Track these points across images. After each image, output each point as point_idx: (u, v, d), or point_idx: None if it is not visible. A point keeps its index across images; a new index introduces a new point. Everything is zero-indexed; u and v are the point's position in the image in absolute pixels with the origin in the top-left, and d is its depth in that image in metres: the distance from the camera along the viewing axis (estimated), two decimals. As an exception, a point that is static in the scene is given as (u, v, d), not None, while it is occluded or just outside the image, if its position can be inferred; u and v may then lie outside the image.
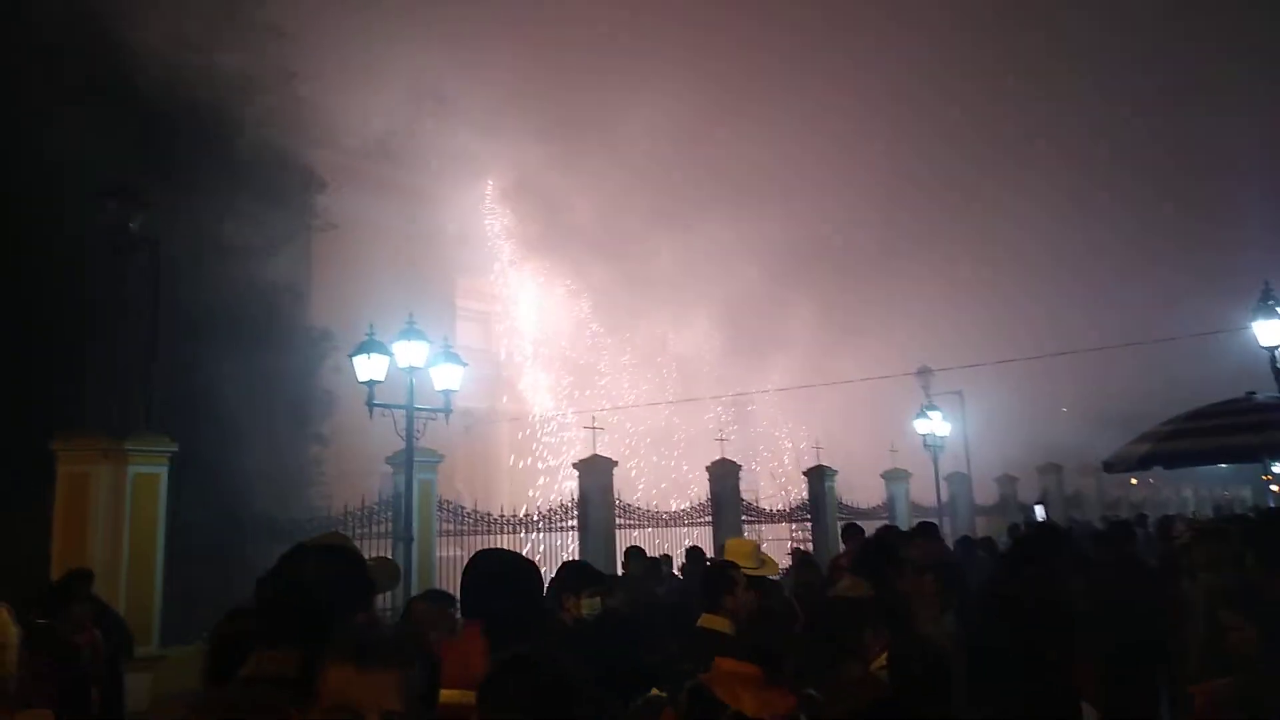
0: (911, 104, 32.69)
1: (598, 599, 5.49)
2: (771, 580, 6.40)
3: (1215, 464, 12.90)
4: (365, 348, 11.68)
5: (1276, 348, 13.26)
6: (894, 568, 5.50)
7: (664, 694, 3.59)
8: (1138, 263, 30.37)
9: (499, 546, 11.11)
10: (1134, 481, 35.73)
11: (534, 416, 32.43)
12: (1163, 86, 30.86)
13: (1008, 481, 28.09)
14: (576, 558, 15.73)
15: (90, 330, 13.30)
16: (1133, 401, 23.74)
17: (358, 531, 13.03)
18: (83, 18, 14.98)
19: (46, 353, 14.02)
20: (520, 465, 31.84)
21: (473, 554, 3.54)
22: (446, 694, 2.98)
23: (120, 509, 10.71)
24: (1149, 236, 30.37)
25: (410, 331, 11.87)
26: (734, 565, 5.78)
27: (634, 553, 10.42)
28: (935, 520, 20.60)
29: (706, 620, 5.08)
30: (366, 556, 2.76)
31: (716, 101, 32.23)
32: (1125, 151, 31.10)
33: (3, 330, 13.71)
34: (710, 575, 5.63)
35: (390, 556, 12.12)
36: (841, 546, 9.46)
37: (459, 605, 3.44)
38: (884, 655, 3.89)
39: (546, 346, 33.28)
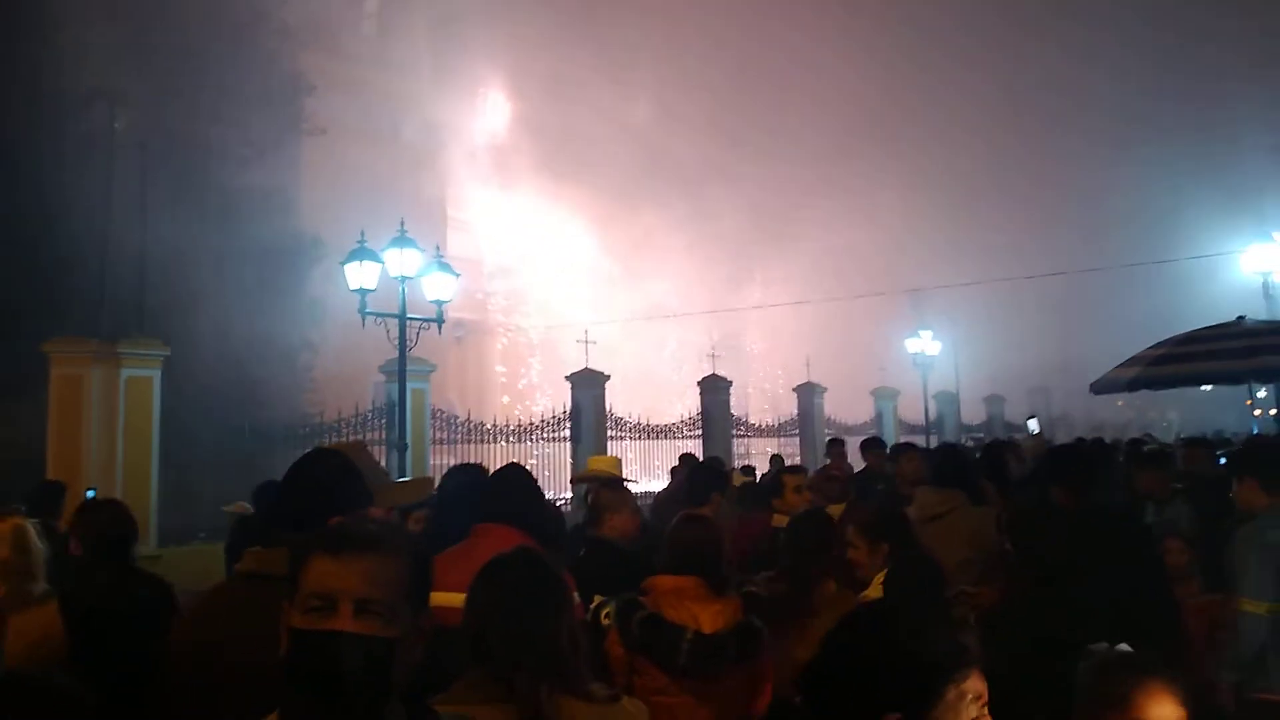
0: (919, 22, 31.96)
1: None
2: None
3: (1200, 386, 13.01)
4: (356, 255, 11.54)
5: (1268, 273, 13.29)
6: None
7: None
8: (1136, 186, 30.09)
9: (504, 459, 11.23)
10: (1120, 404, 36.08)
11: (526, 328, 32.43)
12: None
13: (996, 401, 28.31)
14: (569, 469, 15.97)
15: (82, 234, 13.15)
16: (1126, 325, 23.86)
17: (350, 439, 13.14)
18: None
19: (38, 256, 13.89)
20: (512, 376, 31.95)
21: (502, 465, 3.58)
22: (439, 597, 3.02)
23: (114, 411, 10.78)
24: (1149, 162, 30.03)
25: (402, 240, 11.73)
26: (720, 464, 5.96)
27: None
28: (922, 439, 20.87)
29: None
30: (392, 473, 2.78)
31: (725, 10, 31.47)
32: (1122, 70, 30.46)
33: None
34: (697, 475, 5.81)
35: (384, 464, 12.27)
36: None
37: (482, 510, 3.44)
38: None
39: (540, 258, 33.09)
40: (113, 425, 10.74)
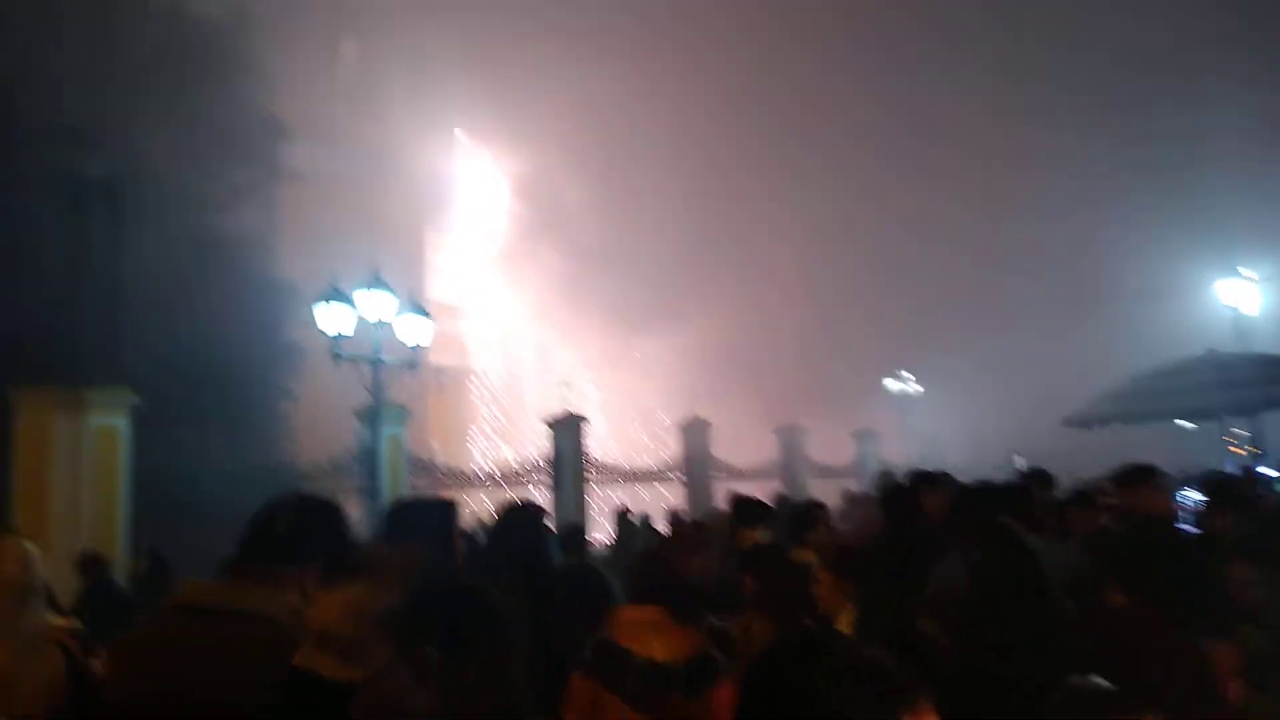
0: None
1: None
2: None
3: (1173, 420, 13.08)
4: (327, 297, 11.44)
5: (1236, 308, 13.40)
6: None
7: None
8: (1099, 220, 30.18)
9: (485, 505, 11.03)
10: (1100, 440, 36.02)
11: (507, 374, 32.36)
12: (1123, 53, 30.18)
13: (980, 441, 28.27)
14: (550, 511, 15.80)
15: (53, 279, 13.03)
16: (1103, 360, 23.89)
17: (326, 485, 12.97)
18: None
19: (7, 302, 13.76)
20: (493, 422, 31.79)
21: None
22: None
23: (80, 460, 10.58)
24: (1123, 195, 30.18)
25: (375, 283, 11.66)
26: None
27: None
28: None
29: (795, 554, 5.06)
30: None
31: (688, 54, 31.82)
32: (1095, 100, 30.58)
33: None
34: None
35: (359, 510, 12.12)
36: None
37: None
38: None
39: (521, 304, 33.09)
40: (78, 474, 10.54)
